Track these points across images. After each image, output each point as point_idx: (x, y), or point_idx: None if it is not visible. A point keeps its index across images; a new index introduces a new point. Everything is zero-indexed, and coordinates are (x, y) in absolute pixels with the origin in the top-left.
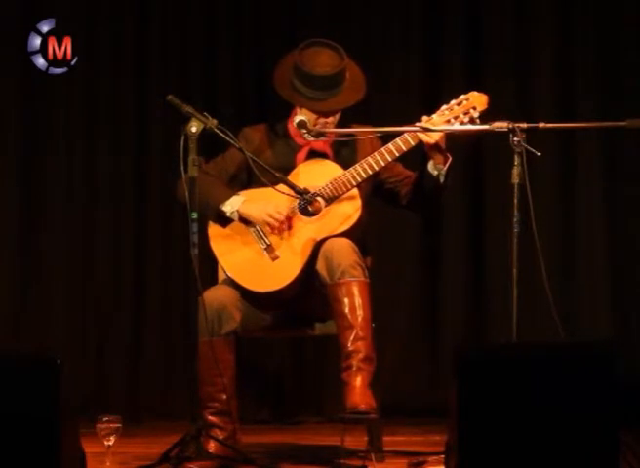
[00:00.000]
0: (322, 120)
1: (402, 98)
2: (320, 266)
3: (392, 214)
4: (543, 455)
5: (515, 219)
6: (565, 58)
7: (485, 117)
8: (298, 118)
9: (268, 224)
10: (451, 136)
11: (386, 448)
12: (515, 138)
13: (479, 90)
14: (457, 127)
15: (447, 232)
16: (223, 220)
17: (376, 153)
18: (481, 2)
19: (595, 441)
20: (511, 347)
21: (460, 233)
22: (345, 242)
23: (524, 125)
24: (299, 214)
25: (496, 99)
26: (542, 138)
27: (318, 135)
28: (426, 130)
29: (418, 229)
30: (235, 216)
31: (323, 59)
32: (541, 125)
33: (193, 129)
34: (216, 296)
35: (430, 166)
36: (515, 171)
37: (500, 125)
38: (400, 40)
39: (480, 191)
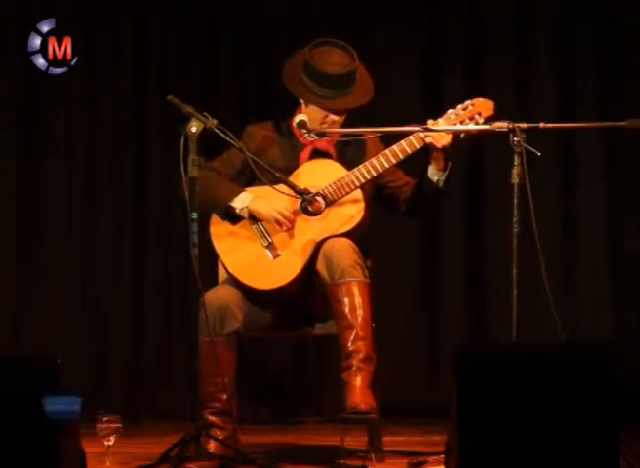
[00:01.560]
0: (330, 119)
1: (402, 98)
2: (320, 266)
3: (392, 215)
4: (543, 455)
5: (515, 219)
6: (565, 58)
7: (486, 118)
8: (298, 118)
9: (277, 222)
10: (455, 141)
11: (386, 448)
12: (515, 138)
13: (479, 90)
14: (457, 127)
15: (447, 232)
16: (232, 217)
17: (380, 155)
18: (481, 2)
19: (595, 441)
20: (511, 347)
21: (461, 233)
22: (346, 242)
23: (524, 125)
24: (301, 214)
25: (496, 99)
26: (542, 138)
27: (318, 135)
28: (427, 130)
29: (417, 229)
30: (245, 213)
31: (335, 58)
32: (541, 125)
33: (193, 129)
34: (218, 296)
35: (431, 171)
36: (515, 171)
37: (500, 125)
38: (400, 40)
39: (480, 191)
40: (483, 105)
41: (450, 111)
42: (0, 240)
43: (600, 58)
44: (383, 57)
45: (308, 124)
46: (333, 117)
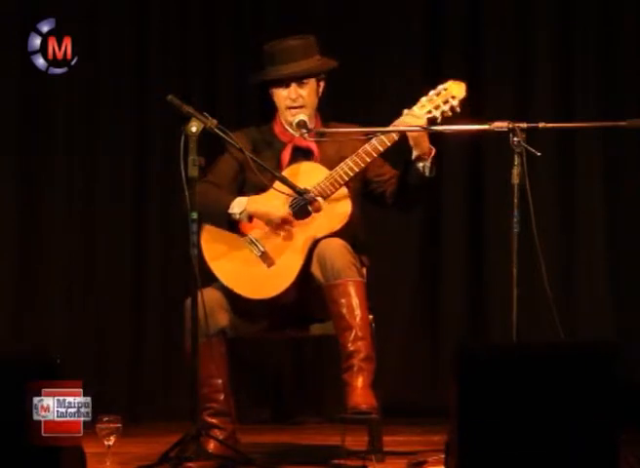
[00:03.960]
0: (289, 96)
1: (401, 98)
2: (314, 268)
3: (392, 214)
4: (543, 455)
5: (515, 219)
6: (565, 58)
7: (485, 117)
8: (297, 118)
9: (279, 228)
10: (433, 125)
11: (386, 449)
12: (515, 138)
13: (479, 90)
14: (456, 127)
15: (447, 232)
16: (233, 226)
17: (360, 150)
18: (481, 2)
19: (595, 441)
20: (511, 347)
21: (461, 233)
22: (339, 242)
23: (524, 125)
24: (292, 219)
25: (496, 99)
26: (542, 138)
27: (317, 135)
28: (426, 129)
29: (417, 229)
30: (245, 217)
31: (287, 39)
32: (541, 125)
33: (193, 129)
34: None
35: (415, 158)
36: (515, 171)
37: (500, 125)
38: (400, 39)
39: (480, 191)
40: (456, 88)
41: (423, 98)
42: (0, 240)
43: (600, 59)
44: (383, 56)
45: (308, 123)
46: (290, 94)
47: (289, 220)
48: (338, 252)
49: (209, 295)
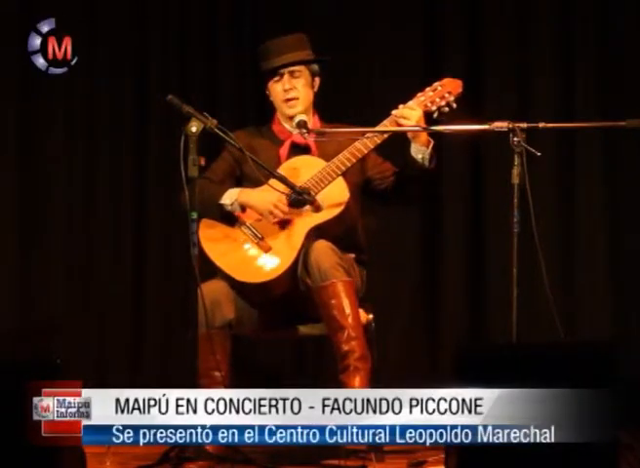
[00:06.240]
0: (281, 88)
1: (400, 99)
2: (301, 271)
3: (392, 214)
4: (543, 455)
5: (515, 219)
6: (565, 58)
7: (485, 117)
8: (297, 118)
9: (272, 214)
10: (429, 120)
11: (386, 448)
12: (515, 138)
13: (479, 89)
14: (456, 127)
15: (447, 232)
16: (227, 217)
17: (356, 142)
18: (481, 2)
19: (595, 441)
20: (511, 347)
21: (461, 233)
22: (323, 244)
23: (524, 125)
24: (285, 204)
25: (496, 99)
26: (542, 138)
27: (317, 134)
28: (425, 130)
29: (418, 229)
30: (236, 207)
31: (279, 38)
32: (541, 125)
33: (193, 129)
34: (209, 290)
35: (413, 150)
36: (515, 171)
37: (500, 125)
38: (400, 40)
39: (480, 191)
40: (451, 84)
41: (419, 94)
42: (1, 240)
43: (600, 59)
44: (383, 56)
45: (309, 123)
46: (284, 85)
47: (282, 205)
48: (323, 253)
49: (215, 287)
